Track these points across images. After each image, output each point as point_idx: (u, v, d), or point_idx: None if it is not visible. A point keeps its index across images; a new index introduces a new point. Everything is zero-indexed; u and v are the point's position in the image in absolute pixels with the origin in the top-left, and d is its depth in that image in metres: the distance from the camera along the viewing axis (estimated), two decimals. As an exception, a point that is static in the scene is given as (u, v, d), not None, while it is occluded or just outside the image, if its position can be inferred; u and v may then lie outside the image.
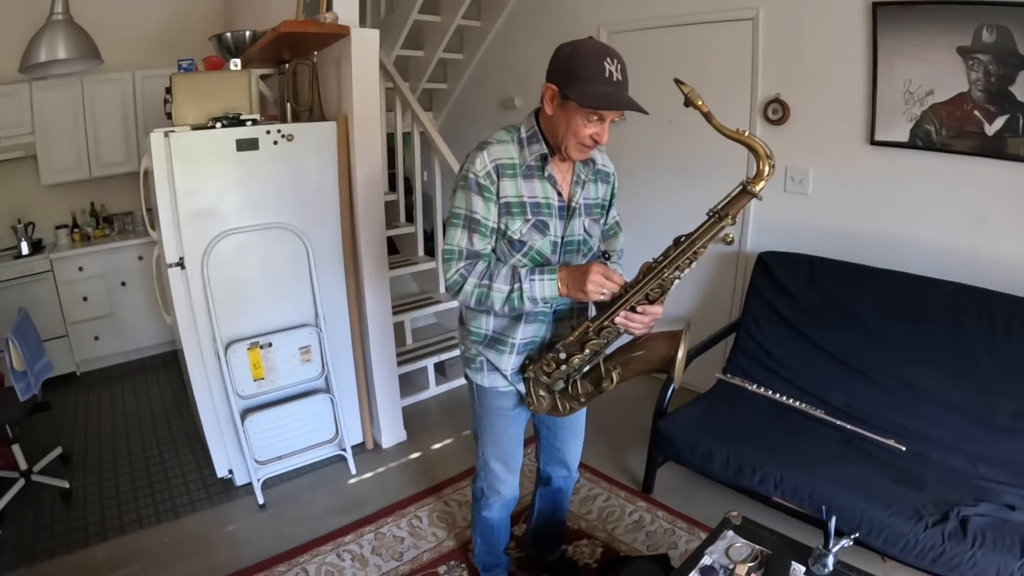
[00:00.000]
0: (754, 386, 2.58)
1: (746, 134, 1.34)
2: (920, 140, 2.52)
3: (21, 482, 2.68)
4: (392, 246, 3.88)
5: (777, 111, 2.89)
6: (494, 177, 1.46)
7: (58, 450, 2.97)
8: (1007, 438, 2.17)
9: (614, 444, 2.94)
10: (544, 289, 1.45)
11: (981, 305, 2.31)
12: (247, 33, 2.81)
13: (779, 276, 2.77)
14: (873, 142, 2.63)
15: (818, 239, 2.82)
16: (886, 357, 2.47)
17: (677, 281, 1.43)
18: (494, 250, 1.55)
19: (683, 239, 1.40)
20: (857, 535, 1.64)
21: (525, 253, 1.53)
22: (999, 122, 2.33)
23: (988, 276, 2.36)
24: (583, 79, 1.35)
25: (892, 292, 2.51)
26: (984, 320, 2.30)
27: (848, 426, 2.33)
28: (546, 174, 1.51)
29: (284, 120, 2.78)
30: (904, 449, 2.21)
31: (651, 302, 1.43)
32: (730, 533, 1.60)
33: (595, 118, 1.38)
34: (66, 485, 2.71)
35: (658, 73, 3.31)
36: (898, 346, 2.45)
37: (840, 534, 1.70)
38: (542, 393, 1.63)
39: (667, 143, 3.38)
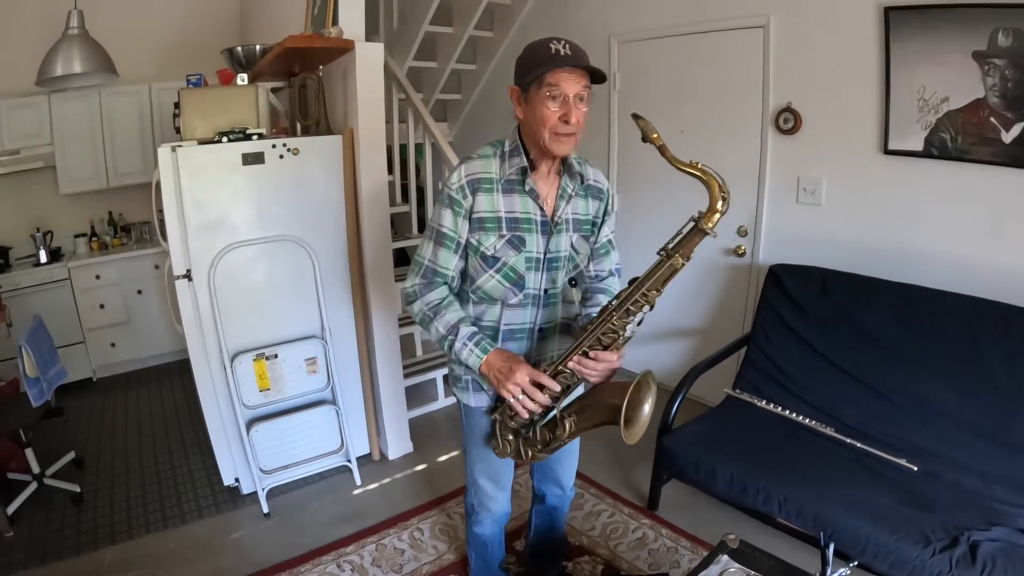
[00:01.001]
0: (763, 402, 2.52)
1: (699, 166, 1.30)
2: (935, 149, 2.45)
3: (34, 485, 2.75)
4: (404, 258, 3.89)
5: (789, 120, 2.84)
6: (467, 191, 1.46)
7: (71, 454, 3.03)
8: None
9: (620, 459, 2.91)
10: (469, 359, 1.49)
11: (998, 319, 2.24)
12: (257, 47, 2.85)
13: (790, 289, 2.72)
14: (887, 151, 2.57)
15: (831, 251, 2.77)
16: (899, 373, 2.40)
17: (634, 327, 1.41)
18: (464, 271, 1.55)
19: (633, 281, 1.38)
20: (858, 562, 1.59)
21: (498, 269, 1.50)
22: (1016, 129, 2.26)
23: (1005, 289, 2.29)
24: (533, 63, 1.36)
25: (906, 305, 2.44)
26: (1001, 334, 2.22)
27: (858, 444, 2.26)
28: (527, 188, 1.48)
29: (294, 133, 2.81)
30: (916, 469, 2.14)
31: (606, 347, 1.41)
32: (725, 558, 1.56)
33: (556, 94, 1.35)
34: (77, 489, 2.76)
35: (669, 82, 3.32)
36: (912, 361, 2.39)
37: (844, 558, 1.66)
38: (509, 437, 1.59)
39: (681, 154, 3.27)
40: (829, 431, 2.35)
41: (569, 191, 1.54)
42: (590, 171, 1.59)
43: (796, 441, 2.37)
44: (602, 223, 1.65)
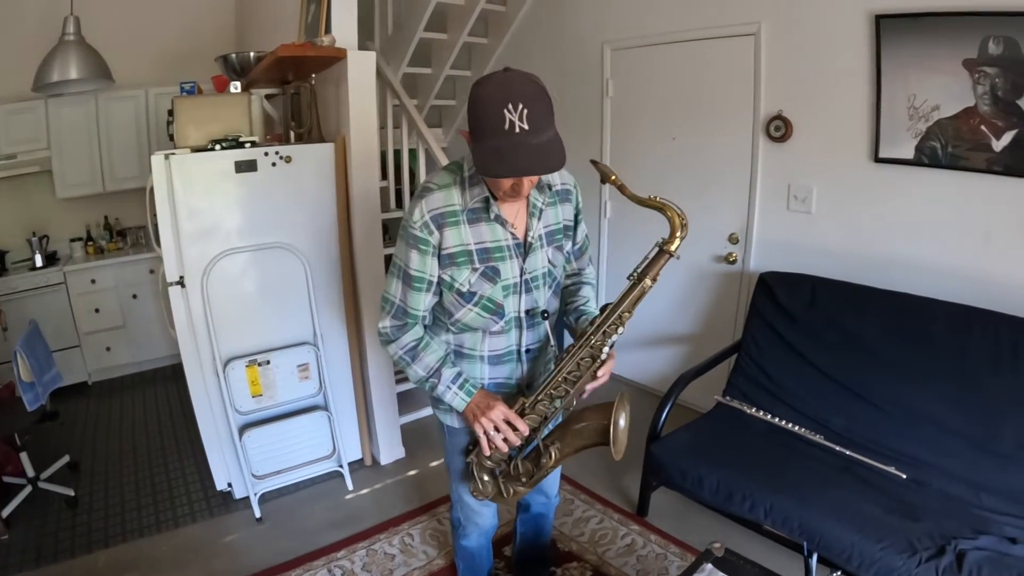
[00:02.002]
0: (753, 409, 2.53)
1: (657, 199, 1.38)
2: (926, 157, 2.46)
3: (29, 489, 2.76)
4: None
5: (780, 128, 2.85)
6: (432, 228, 1.38)
7: (66, 458, 3.04)
8: (1012, 466, 2.09)
9: (610, 465, 2.90)
10: (453, 401, 1.50)
11: (987, 327, 2.24)
12: (251, 54, 2.86)
13: (780, 297, 2.73)
14: (877, 159, 2.58)
15: (821, 259, 2.77)
16: (888, 381, 2.40)
17: (608, 348, 1.46)
18: (439, 307, 1.51)
19: (608, 306, 1.44)
20: (842, 571, 1.60)
21: (476, 302, 1.45)
22: (1007, 137, 2.26)
23: (994, 297, 2.29)
24: (483, 131, 1.22)
25: (895, 313, 2.44)
26: (990, 343, 2.22)
27: (847, 452, 2.27)
28: (492, 215, 1.41)
29: (287, 141, 2.82)
30: (904, 476, 2.15)
31: (588, 367, 1.46)
32: (709, 566, 1.57)
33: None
34: (72, 493, 2.78)
35: (661, 90, 3.34)
36: (901, 369, 2.39)
37: (831, 566, 1.66)
38: (485, 478, 1.59)
39: (673, 161, 3.35)
40: (818, 439, 2.35)
41: (540, 205, 1.48)
42: (556, 176, 1.53)
43: (785, 449, 2.37)
44: (576, 224, 1.61)
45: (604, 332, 1.43)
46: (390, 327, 1.50)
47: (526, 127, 1.19)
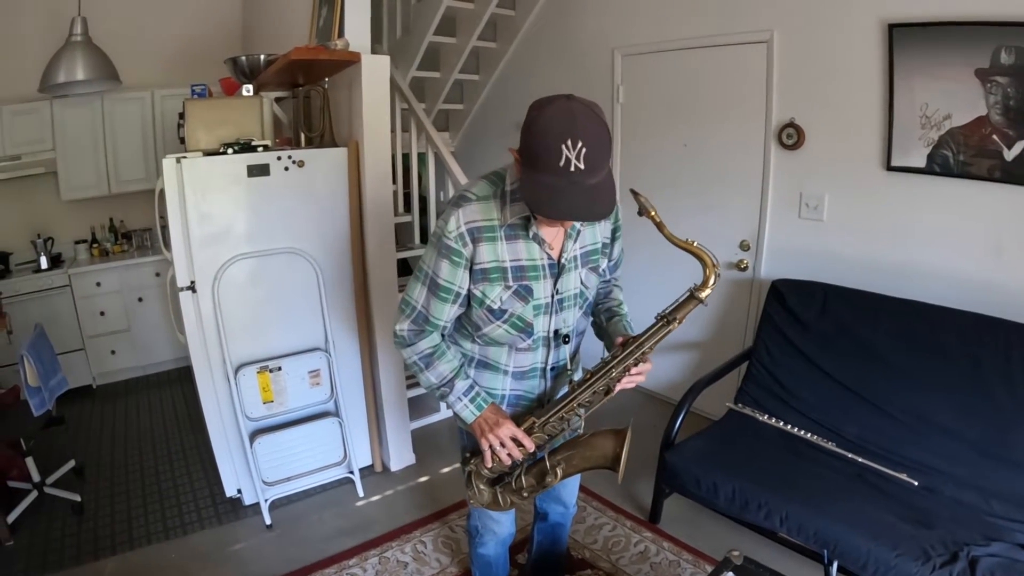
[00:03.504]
0: (765, 416, 2.53)
1: (695, 244, 1.37)
2: (937, 165, 2.47)
3: (34, 494, 2.74)
4: (407, 268, 3.90)
5: (792, 136, 2.85)
6: (467, 240, 1.35)
7: (71, 463, 3.02)
8: (1022, 474, 2.10)
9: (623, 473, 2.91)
10: (463, 412, 1.50)
11: (998, 336, 2.25)
12: (261, 57, 2.85)
13: (792, 304, 2.73)
14: (889, 167, 2.59)
15: (833, 266, 2.78)
16: (900, 389, 2.41)
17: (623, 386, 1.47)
18: (466, 318, 1.49)
19: (631, 341, 1.44)
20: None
21: (506, 320, 1.43)
22: (1018, 147, 2.27)
23: (1006, 306, 2.30)
24: (536, 161, 1.17)
25: (907, 322, 2.45)
26: (1001, 351, 2.23)
27: (859, 459, 2.28)
28: (531, 234, 1.37)
29: (297, 144, 2.81)
30: (916, 484, 2.15)
31: (606, 392, 1.47)
32: (730, 574, 1.57)
33: None
34: (78, 498, 2.76)
35: (673, 96, 3.34)
36: (912, 377, 2.40)
37: (847, 574, 1.66)
38: (482, 487, 1.59)
39: (684, 168, 3.35)
40: (830, 446, 2.36)
41: (578, 226, 1.44)
42: None
43: (797, 456, 2.38)
44: (613, 239, 1.57)
45: (625, 367, 1.43)
46: (407, 331, 1.48)
47: (582, 167, 1.14)
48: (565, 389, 1.53)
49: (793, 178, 2.90)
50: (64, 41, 3.35)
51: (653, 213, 1.36)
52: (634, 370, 1.45)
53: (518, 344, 1.49)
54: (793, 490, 2.16)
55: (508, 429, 1.45)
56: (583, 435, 1.53)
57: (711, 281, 1.38)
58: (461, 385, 1.48)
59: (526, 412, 1.58)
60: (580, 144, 1.12)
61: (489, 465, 1.51)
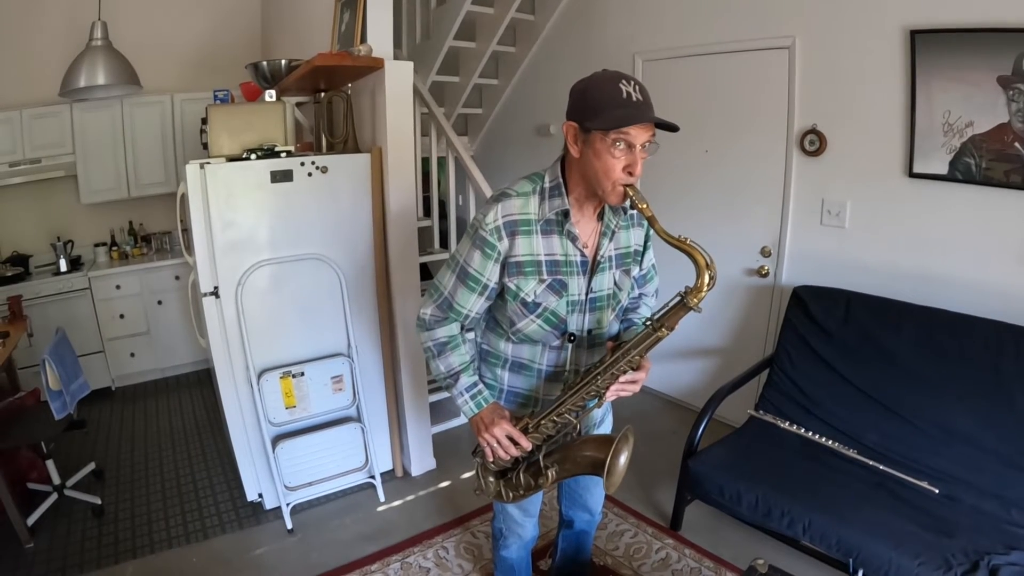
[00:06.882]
0: (786, 424, 2.53)
1: (687, 241, 1.29)
2: (960, 173, 2.46)
3: (54, 496, 2.75)
4: (427, 272, 3.91)
5: (814, 142, 2.84)
6: (502, 234, 1.39)
7: (91, 466, 3.03)
8: (1043, 484, 2.10)
9: (644, 479, 2.91)
10: (463, 407, 1.54)
11: (1020, 344, 2.24)
12: (283, 62, 2.85)
13: (814, 311, 2.73)
14: (912, 174, 2.58)
15: (855, 274, 2.77)
16: (922, 397, 2.41)
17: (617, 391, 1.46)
18: (501, 315, 1.52)
19: (618, 348, 1.43)
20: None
21: (539, 314, 1.45)
22: (1041, 155, 2.26)
23: (1028, 314, 2.29)
24: (601, 106, 1.26)
25: (929, 329, 2.44)
26: (1023, 360, 2.22)
27: (881, 467, 2.27)
28: (565, 230, 1.41)
29: (319, 150, 2.82)
30: (937, 492, 2.15)
31: (597, 395, 1.46)
32: (760, 585, 1.57)
33: (623, 146, 1.26)
34: (98, 501, 2.77)
35: (694, 102, 3.33)
36: (934, 385, 2.39)
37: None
38: (491, 479, 1.64)
39: (704, 175, 3.35)
40: (852, 453, 2.35)
41: (612, 227, 1.47)
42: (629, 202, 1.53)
43: (819, 464, 2.37)
44: (644, 249, 1.59)
45: (612, 374, 1.42)
46: (430, 316, 1.54)
47: (641, 99, 1.27)
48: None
49: (815, 185, 2.89)
50: (84, 46, 3.38)
51: (645, 206, 1.31)
52: (624, 378, 1.43)
53: (551, 341, 1.52)
54: (815, 498, 2.16)
55: (503, 428, 1.48)
56: (577, 439, 1.55)
57: (705, 284, 1.28)
58: (466, 380, 1.52)
59: (525, 407, 1.62)
60: (633, 82, 1.28)
61: (490, 459, 1.55)
